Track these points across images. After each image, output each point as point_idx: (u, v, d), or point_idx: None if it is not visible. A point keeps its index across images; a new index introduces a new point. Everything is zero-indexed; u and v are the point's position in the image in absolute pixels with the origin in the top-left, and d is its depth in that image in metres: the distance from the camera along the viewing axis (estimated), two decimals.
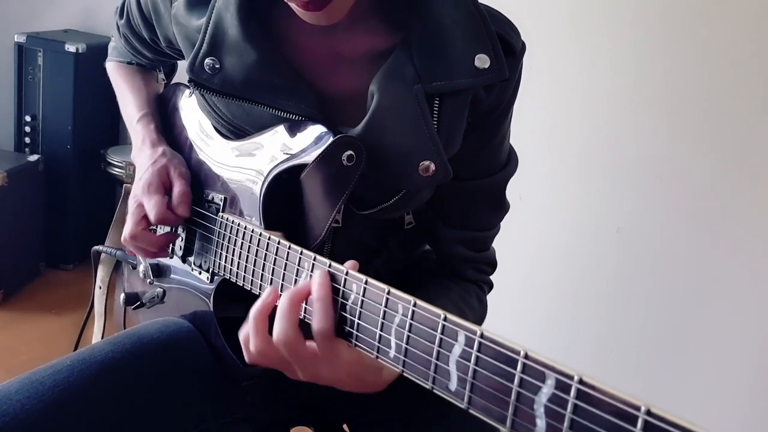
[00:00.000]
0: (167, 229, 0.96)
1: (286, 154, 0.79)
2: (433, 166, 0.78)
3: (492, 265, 0.98)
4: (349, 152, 0.75)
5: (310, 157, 0.76)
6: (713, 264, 1.82)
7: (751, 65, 1.73)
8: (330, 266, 0.68)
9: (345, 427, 1.01)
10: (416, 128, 0.77)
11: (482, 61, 0.78)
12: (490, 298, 0.98)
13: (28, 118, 2.55)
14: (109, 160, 2.51)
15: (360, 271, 0.67)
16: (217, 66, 0.80)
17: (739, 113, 1.76)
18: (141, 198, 0.89)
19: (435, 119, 0.78)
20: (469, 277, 0.95)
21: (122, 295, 1.02)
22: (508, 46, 0.81)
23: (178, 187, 0.89)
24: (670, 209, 1.88)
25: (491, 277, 0.99)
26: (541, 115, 1.96)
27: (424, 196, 0.86)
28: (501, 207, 0.94)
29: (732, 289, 1.79)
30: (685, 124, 1.83)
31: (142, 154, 0.94)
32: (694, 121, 1.82)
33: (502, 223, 0.98)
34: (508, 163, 0.91)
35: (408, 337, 0.58)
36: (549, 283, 2.08)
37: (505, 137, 0.89)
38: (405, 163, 0.78)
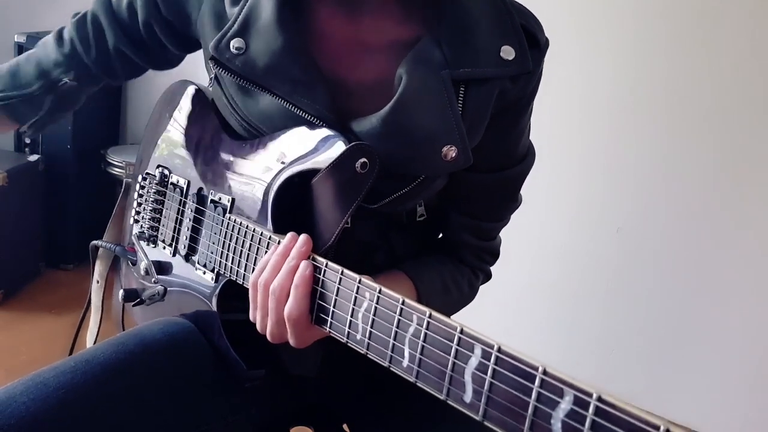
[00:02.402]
0: (173, 220, 0.96)
1: (298, 158, 0.79)
2: (454, 152, 0.78)
3: (494, 255, 0.99)
4: (363, 160, 0.75)
5: (322, 163, 0.76)
6: (713, 264, 1.83)
7: (751, 65, 1.73)
8: (342, 273, 0.68)
9: (345, 427, 1.02)
10: (442, 112, 0.78)
11: (507, 52, 0.80)
12: (491, 297, 0.99)
13: None
14: (109, 160, 2.51)
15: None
16: (243, 48, 0.81)
17: (739, 113, 1.76)
18: None
19: (460, 105, 0.79)
20: (467, 262, 0.96)
21: (121, 291, 1.01)
22: (533, 38, 0.83)
23: None
24: (670, 209, 1.88)
25: (492, 268, 1.00)
26: (541, 115, 1.96)
27: (438, 185, 0.87)
28: (514, 200, 0.95)
29: (732, 288, 1.80)
30: (685, 125, 1.84)
31: None
32: (694, 121, 1.83)
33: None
34: (526, 157, 0.92)
35: (423, 347, 0.59)
36: (549, 283, 2.08)
37: (524, 130, 0.90)
38: (428, 147, 0.79)
